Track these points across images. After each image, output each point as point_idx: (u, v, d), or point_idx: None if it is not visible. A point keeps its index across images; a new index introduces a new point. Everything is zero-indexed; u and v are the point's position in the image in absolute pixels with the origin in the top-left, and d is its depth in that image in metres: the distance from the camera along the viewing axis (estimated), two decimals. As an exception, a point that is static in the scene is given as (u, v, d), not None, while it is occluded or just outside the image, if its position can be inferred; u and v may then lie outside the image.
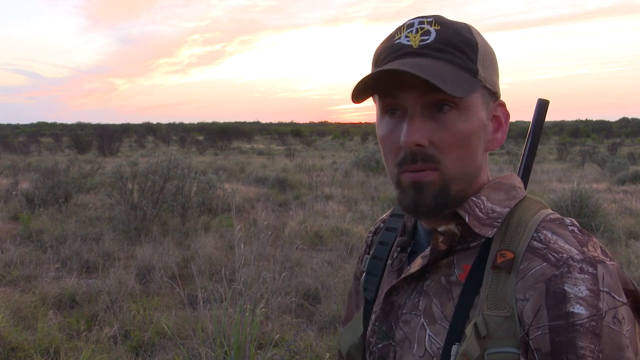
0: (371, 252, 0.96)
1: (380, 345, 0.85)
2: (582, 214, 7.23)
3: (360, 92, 0.77)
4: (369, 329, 0.89)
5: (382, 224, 0.99)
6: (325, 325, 4.35)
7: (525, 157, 0.93)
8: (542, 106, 0.93)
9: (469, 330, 0.72)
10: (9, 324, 4.10)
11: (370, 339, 0.87)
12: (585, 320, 0.66)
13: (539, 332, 0.68)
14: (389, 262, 0.91)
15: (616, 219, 7.69)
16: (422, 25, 0.76)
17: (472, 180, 0.79)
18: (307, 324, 4.44)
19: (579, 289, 0.67)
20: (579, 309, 0.66)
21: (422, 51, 0.75)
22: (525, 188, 0.89)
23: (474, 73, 0.75)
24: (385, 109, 0.79)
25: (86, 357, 3.61)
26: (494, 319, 0.71)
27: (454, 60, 0.74)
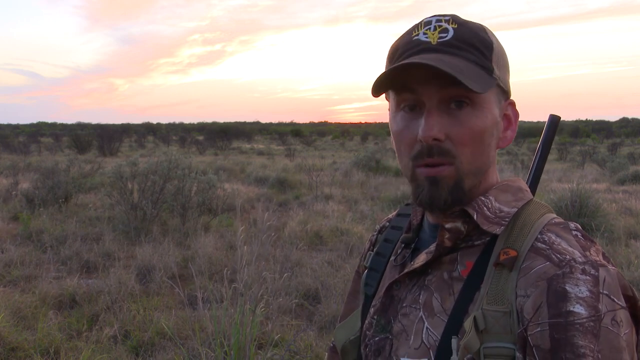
0: (375, 249, 0.98)
1: (377, 338, 0.86)
2: (582, 214, 7.22)
3: (379, 86, 0.79)
4: (366, 322, 0.90)
5: (387, 223, 1.02)
6: (325, 325, 4.35)
7: (533, 169, 0.95)
8: (554, 122, 0.96)
9: (468, 323, 0.73)
10: (9, 324, 4.10)
11: (367, 332, 0.89)
12: (584, 320, 0.67)
13: (539, 329, 0.69)
14: (392, 258, 0.93)
15: (616, 219, 7.68)
16: (440, 23, 0.79)
17: (483, 175, 0.82)
18: (307, 324, 4.44)
19: (580, 290, 0.68)
20: (579, 309, 0.67)
21: (440, 47, 0.77)
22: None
23: (490, 71, 0.78)
24: (401, 104, 0.81)
25: (86, 357, 3.61)
26: (492, 314, 0.72)
27: (471, 58, 0.77)
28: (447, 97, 0.77)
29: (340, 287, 4.93)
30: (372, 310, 0.89)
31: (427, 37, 0.78)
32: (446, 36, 0.77)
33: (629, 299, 0.73)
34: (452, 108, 0.77)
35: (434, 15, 0.80)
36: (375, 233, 1.03)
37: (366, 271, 0.97)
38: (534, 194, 0.92)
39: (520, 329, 0.71)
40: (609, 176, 14.92)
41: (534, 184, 0.93)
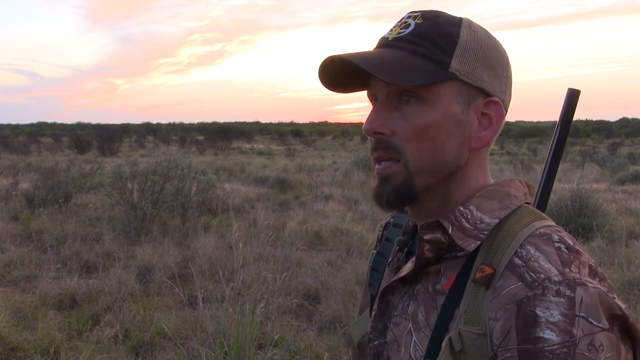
0: (378, 248, 0.96)
1: (376, 343, 0.85)
2: (582, 214, 7.22)
3: (333, 82, 0.80)
4: (369, 324, 0.89)
5: (392, 219, 0.98)
6: (325, 325, 4.35)
7: (550, 156, 0.86)
8: (573, 97, 0.86)
9: (444, 344, 0.71)
10: (9, 324, 4.10)
11: (370, 335, 0.87)
12: (555, 347, 0.63)
13: (508, 354, 0.66)
14: (388, 260, 0.91)
15: (616, 219, 7.68)
16: (407, 20, 0.78)
17: (446, 176, 0.77)
18: (307, 324, 4.44)
19: (552, 313, 0.64)
20: (549, 335, 0.63)
21: (392, 43, 0.77)
22: (549, 192, 0.85)
23: (444, 65, 0.74)
24: (369, 99, 0.82)
25: (86, 357, 3.61)
26: (468, 335, 0.70)
27: (420, 52, 0.74)
28: (395, 91, 0.76)
29: (340, 287, 4.93)
30: (372, 313, 0.88)
31: (389, 34, 0.78)
32: (404, 32, 0.76)
33: (617, 318, 0.66)
34: (402, 103, 0.76)
35: (410, 12, 0.79)
36: (381, 229, 1.00)
37: (370, 271, 0.95)
38: (551, 187, 0.85)
39: (491, 353, 0.68)
40: (609, 176, 14.93)
41: (550, 175, 0.86)
